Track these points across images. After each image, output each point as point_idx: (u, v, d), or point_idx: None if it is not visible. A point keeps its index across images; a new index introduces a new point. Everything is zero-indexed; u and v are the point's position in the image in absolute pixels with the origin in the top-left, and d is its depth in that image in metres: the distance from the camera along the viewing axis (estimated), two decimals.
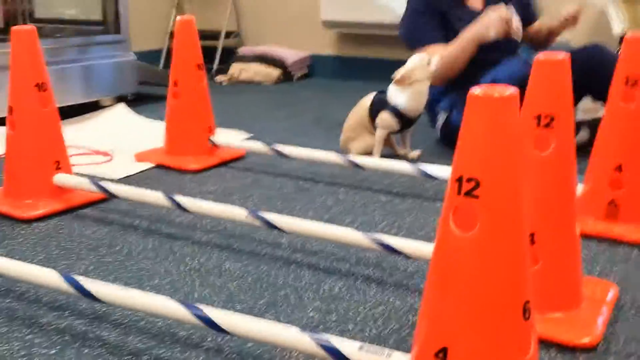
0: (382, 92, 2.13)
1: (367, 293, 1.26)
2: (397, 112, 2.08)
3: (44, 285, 1.13)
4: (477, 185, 0.73)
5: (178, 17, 2.09)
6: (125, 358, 1.03)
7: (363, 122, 2.15)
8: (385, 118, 2.09)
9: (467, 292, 0.74)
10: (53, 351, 1.05)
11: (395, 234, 1.51)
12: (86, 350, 1.05)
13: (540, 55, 1.11)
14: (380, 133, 2.11)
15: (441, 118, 2.30)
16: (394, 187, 1.90)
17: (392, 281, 1.31)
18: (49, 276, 1.12)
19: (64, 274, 1.11)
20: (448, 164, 1.81)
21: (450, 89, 2.24)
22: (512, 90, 0.74)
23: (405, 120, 2.10)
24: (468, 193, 0.73)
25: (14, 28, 1.60)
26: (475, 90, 0.74)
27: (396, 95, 2.08)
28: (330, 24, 3.71)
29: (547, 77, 1.11)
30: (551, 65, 1.10)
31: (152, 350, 1.06)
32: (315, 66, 3.93)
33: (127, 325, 1.13)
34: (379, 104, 2.11)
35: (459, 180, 0.74)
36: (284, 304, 1.22)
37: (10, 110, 1.61)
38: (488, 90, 0.74)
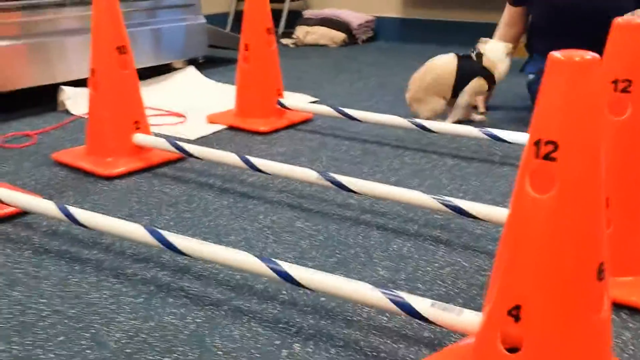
0: (465, 57, 2.12)
1: (435, 253, 1.29)
2: (491, 79, 2.09)
3: (130, 238, 1.21)
4: (556, 148, 0.74)
5: None
6: (207, 307, 1.10)
7: (437, 85, 2.11)
8: (481, 84, 2.09)
9: (542, 251, 0.76)
10: (139, 300, 1.12)
11: (462, 198, 1.52)
12: (170, 300, 1.12)
13: (619, 20, 1.09)
14: (468, 99, 2.10)
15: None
16: (460, 150, 1.91)
17: (460, 243, 1.34)
18: (135, 230, 1.19)
19: (149, 228, 1.18)
20: (516, 129, 1.81)
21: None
22: (593, 55, 0.75)
23: (492, 87, 2.14)
24: (546, 156, 0.75)
25: None
26: (556, 54, 0.75)
27: (499, 63, 2.08)
28: None
29: (625, 42, 1.09)
30: (630, 29, 1.08)
31: (231, 301, 1.12)
32: (380, 29, 3.91)
33: (208, 278, 1.19)
34: (470, 70, 2.09)
35: (537, 143, 0.76)
36: (354, 262, 1.26)
37: (93, 72, 1.68)
38: (568, 54, 0.75)
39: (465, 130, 1.87)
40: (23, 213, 1.41)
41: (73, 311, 1.08)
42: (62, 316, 1.06)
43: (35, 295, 1.12)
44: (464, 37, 3.46)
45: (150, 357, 0.97)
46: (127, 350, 0.98)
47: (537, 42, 2.26)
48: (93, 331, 1.03)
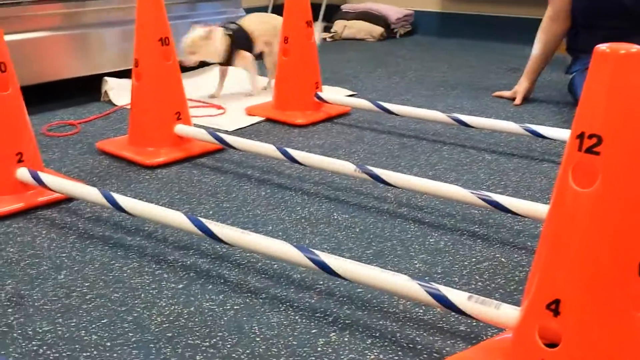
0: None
1: (472, 248, 1.29)
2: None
3: (172, 225, 1.23)
4: (599, 141, 0.73)
5: None
6: (245, 295, 1.12)
7: None
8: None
9: (583, 245, 0.75)
10: (180, 286, 1.15)
11: (501, 193, 1.51)
12: (210, 287, 1.14)
13: None
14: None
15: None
16: (499, 146, 1.89)
17: (498, 238, 1.33)
18: (176, 218, 1.21)
19: (190, 216, 1.20)
20: (556, 126, 1.79)
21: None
22: (638, 47, 0.74)
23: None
24: (589, 149, 0.74)
25: None
26: (601, 46, 0.74)
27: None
28: None
29: None
30: None
31: (269, 289, 1.14)
32: (418, 23, 3.89)
33: (246, 266, 1.21)
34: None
35: (580, 136, 0.75)
36: (391, 254, 1.27)
37: (136, 62, 1.72)
38: (614, 47, 0.74)
39: (504, 125, 1.86)
40: (68, 199, 1.46)
41: (116, 295, 1.11)
42: (106, 299, 1.10)
43: (80, 279, 1.16)
44: (504, 31, 3.43)
45: (191, 342, 0.99)
46: (168, 334, 1.00)
47: (581, 39, 2.23)
48: (135, 314, 1.05)
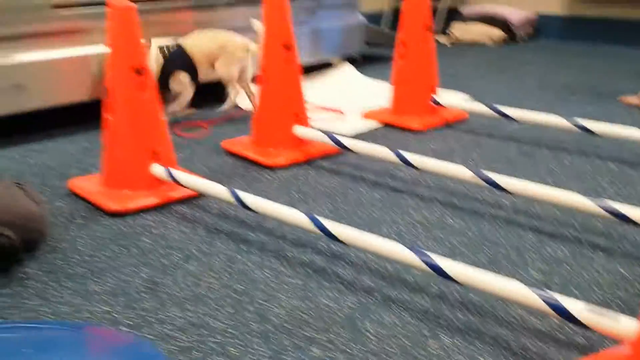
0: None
1: (592, 260, 1.26)
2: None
3: (292, 223, 1.30)
4: None
5: None
6: (359, 293, 1.16)
7: None
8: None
9: None
10: (298, 281, 1.20)
11: (626, 204, 1.46)
12: (326, 283, 1.19)
13: None
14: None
15: None
16: (624, 154, 1.82)
17: (620, 251, 1.29)
18: (297, 216, 1.27)
19: (310, 215, 1.26)
20: None
21: None
22: None
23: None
24: None
25: None
26: None
27: None
28: None
29: None
30: None
31: (382, 289, 1.17)
32: (542, 27, 3.78)
33: (360, 266, 1.25)
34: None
35: None
36: (505, 262, 1.26)
37: (262, 67, 1.81)
38: None
39: (631, 133, 1.78)
40: (197, 195, 1.56)
41: (239, 286, 1.18)
42: (230, 290, 1.17)
43: (207, 270, 1.24)
44: (632, 35, 3.26)
45: (308, 334, 1.04)
46: (287, 326, 1.06)
47: None
48: (257, 305, 1.12)
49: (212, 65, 2.11)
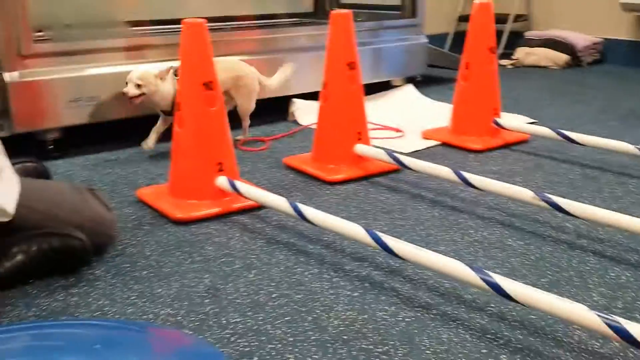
0: None
1: None
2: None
3: (351, 237, 1.31)
4: None
5: (475, 0, 2.15)
6: (417, 309, 1.16)
7: None
8: None
9: None
10: (356, 294, 1.22)
11: None
12: (383, 298, 1.20)
13: None
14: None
15: None
16: None
17: None
18: (355, 230, 1.29)
19: (368, 230, 1.27)
20: None
21: None
22: None
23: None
24: None
25: (332, 12, 1.82)
26: None
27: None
28: (629, 7, 3.47)
29: None
30: None
31: (439, 306, 1.17)
32: (607, 52, 3.71)
33: (418, 282, 1.26)
34: None
35: None
36: (567, 285, 1.24)
37: (325, 85, 1.84)
38: None
39: None
40: (258, 207, 1.60)
41: (298, 296, 1.20)
42: (289, 299, 1.19)
43: (267, 279, 1.27)
44: None
45: (364, 346, 1.05)
46: (344, 337, 1.07)
47: None
48: (315, 316, 1.14)
49: (223, 94, 2.10)
